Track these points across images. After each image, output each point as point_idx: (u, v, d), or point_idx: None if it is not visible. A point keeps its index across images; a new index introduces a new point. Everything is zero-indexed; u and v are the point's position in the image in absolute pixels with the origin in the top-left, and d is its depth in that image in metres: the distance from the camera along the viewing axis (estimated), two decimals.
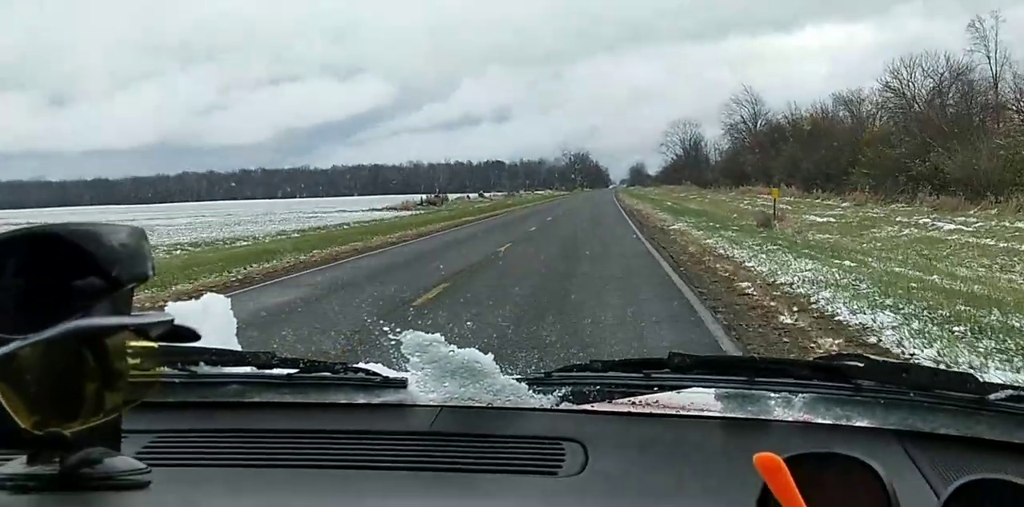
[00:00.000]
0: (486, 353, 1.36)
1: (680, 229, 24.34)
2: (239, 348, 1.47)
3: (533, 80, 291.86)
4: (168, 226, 46.23)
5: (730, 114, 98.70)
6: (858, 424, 1.22)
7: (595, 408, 1.31)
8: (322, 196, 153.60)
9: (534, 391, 1.34)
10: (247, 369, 1.40)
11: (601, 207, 55.06)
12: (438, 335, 1.36)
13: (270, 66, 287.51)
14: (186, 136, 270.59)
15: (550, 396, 1.33)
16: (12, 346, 0.60)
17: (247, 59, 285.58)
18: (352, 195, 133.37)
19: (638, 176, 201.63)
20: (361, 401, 1.35)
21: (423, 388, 1.34)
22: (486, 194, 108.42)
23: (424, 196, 77.28)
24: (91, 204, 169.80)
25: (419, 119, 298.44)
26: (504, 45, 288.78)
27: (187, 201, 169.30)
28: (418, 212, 57.08)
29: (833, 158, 58.22)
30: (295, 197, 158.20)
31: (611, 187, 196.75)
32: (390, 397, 1.35)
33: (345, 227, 34.75)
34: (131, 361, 0.71)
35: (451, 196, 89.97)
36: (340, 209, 67.68)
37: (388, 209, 64.97)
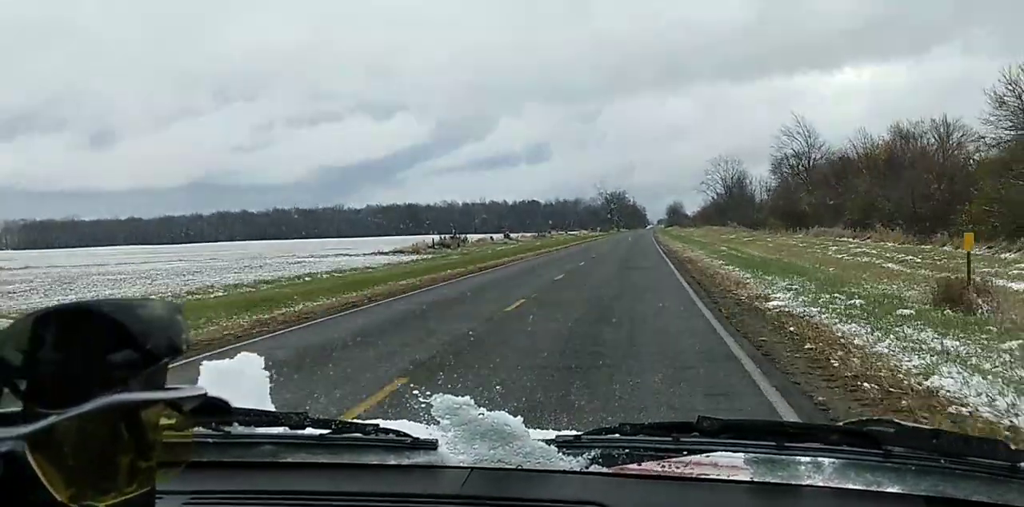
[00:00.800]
0: (515, 416, 1.34)
1: (798, 312, 12.19)
2: (272, 408, 1.43)
3: (570, 119, 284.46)
4: (115, 275, 37.77)
5: (780, 147, 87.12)
6: (888, 490, 1.20)
7: (624, 471, 1.30)
8: (356, 236, 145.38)
9: (563, 454, 1.32)
10: (280, 429, 1.39)
11: (639, 252, 44.08)
12: (468, 398, 1.34)
13: (308, 105, 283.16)
14: (224, 175, 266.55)
15: (579, 459, 1.32)
16: (50, 420, 0.61)
17: (285, 99, 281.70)
18: (386, 235, 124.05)
19: (675, 216, 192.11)
20: (392, 462, 1.35)
21: (453, 450, 1.34)
22: (512, 235, 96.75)
23: (438, 237, 66.42)
24: (124, 243, 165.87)
25: (457, 158, 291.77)
26: (542, 84, 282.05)
27: (218, 241, 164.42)
28: (424, 257, 48.27)
29: (924, 194, 46.45)
30: (327, 237, 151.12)
31: (648, 227, 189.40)
32: (421, 458, 1.35)
33: (312, 279, 28.06)
34: (165, 433, 0.72)
35: (473, 237, 79.20)
36: (342, 252, 58.76)
37: (396, 252, 55.51)
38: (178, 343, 0.69)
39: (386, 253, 55.23)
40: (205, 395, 0.69)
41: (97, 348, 0.64)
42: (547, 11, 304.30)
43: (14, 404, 0.64)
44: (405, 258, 47.56)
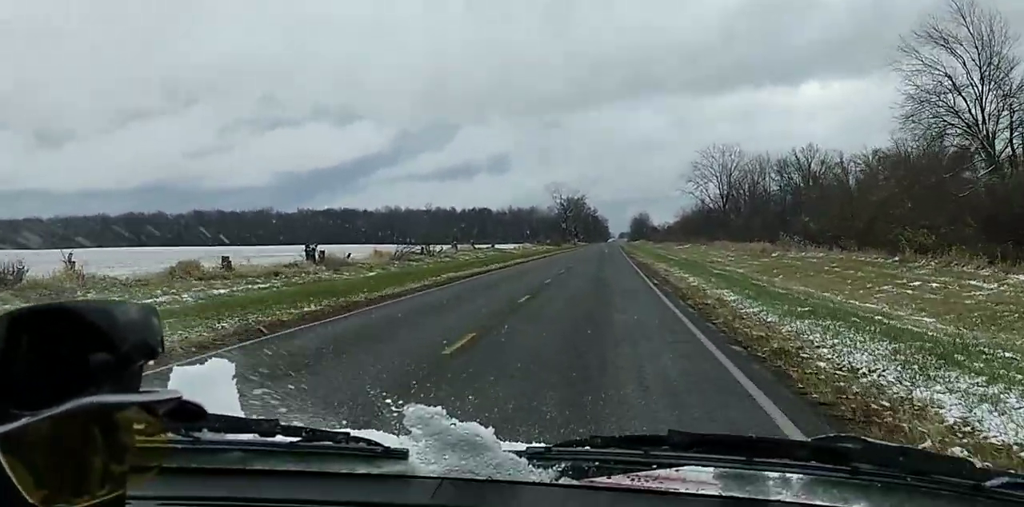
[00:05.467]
0: (487, 427, 1.34)
1: None
2: (242, 415, 1.41)
3: (532, 129, 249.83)
4: None
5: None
6: None
7: (593, 484, 1.29)
8: (280, 243, 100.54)
9: (534, 465, 1.30)
10: (250, 436, 1.36)
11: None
12: (440, 408, 1.33)
13: (264, 110, 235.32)
14: (178, 179, 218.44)
15: (549, 471, 1.30)
16: (23, 421, 0.58)
17: (239, 103, 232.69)
18: (309, 243, 78.04)
19: (641, 229, 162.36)
20: (362, 471, 1.32)
21: (424, 460, 1.31)
22: (383, 249, 42.64)
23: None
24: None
25: (417, 166, 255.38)
26: (504, 93, 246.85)
27: (119, 246, 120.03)
28: None
29: None
30: (236, 245, 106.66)
31: (610, 241, 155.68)
32: (391, 468, 1.32)
33: None
34: (138, 437, 0.69)
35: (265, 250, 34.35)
36: None
37: None
38: (153, 346, 0.67)
39: None
40: (180, 399, 0.65)
41: (72, 350, 0.61)
42: (513, 21, 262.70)
43: None
44: None
